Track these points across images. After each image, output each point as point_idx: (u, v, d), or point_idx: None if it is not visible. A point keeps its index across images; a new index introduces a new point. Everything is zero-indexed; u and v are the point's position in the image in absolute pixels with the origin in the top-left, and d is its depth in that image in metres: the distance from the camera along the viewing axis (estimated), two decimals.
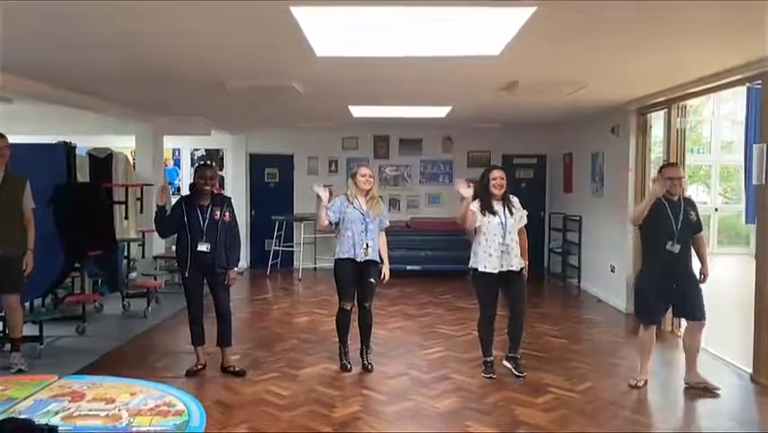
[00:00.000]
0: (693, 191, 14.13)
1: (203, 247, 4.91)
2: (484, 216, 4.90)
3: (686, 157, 6.75)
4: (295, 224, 10.58)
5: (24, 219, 5.10)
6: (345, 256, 5.06)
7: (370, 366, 5.18)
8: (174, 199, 5.65)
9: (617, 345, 6.23)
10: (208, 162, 10.02)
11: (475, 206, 4.88)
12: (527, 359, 5.50)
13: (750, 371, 5.01)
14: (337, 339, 5.30)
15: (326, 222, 5.05)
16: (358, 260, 5.05)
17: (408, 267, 9.79)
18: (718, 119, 13.87)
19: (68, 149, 6.44)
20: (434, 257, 10.04)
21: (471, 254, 5.00)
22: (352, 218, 5.04)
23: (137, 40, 4.28)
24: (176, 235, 5.05)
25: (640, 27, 3.92)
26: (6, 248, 4.95)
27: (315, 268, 10.68)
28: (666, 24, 3.84)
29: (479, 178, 5.10)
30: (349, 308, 5.14)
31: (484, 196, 4.94)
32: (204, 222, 4.90)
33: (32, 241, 5.12)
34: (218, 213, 4.95)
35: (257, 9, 3.52)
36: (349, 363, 5.22)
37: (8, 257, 4.96)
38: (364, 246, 5.03)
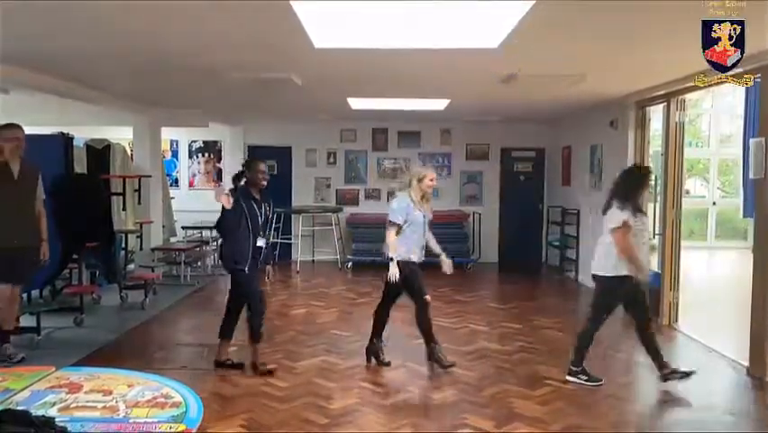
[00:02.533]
0: (692, 185, 14.14)
1: (261, 243, 4.91)
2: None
3: (684, 151, 6.74)
4: (293, 216, 10.57)
5: (36, 210, 5.11)
6: (412, 258, 5.00)
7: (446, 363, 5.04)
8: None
9: (613, 338, 6.24)
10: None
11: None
12: (526, 352, 5.52)
13: (746, 364, 5.03)
14: (424, 341, 5.12)
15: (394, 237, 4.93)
16: (419, 261, 5.05)
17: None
18: (717, 113, 13.85)
19: (66, 140, 6.42)
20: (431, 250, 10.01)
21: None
22: (418, 221, 5.00)
23: (136, 31, 4.26)
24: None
25: (639, 20, 3.91)
26: (24, 240, 4.96)
27: (314, 261, 10.68)
28: (665, 17, 3.82)
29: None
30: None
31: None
32: (260, 217, 4.88)
33: (45, 231, 5.15)
34: (264, 208, 4.94)
35: (256, 1, 3.51)
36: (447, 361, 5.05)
37: (25, 248, 4.97)
38: (422, 247, 5.07)
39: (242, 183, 4.90)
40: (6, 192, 4.89)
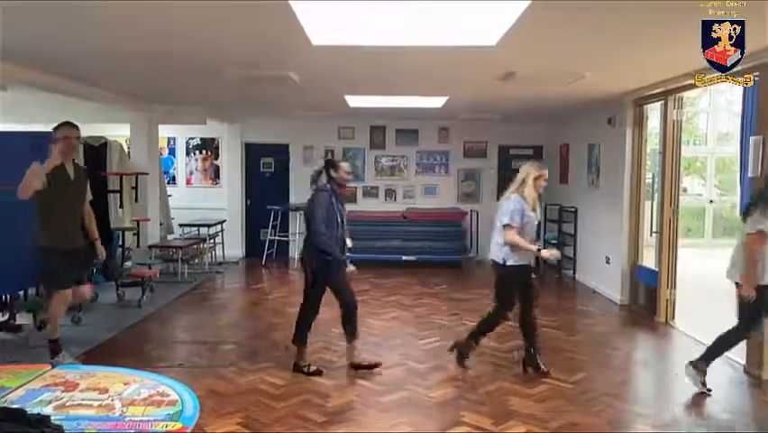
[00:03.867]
0: (689, 183, 14.14)
1: (350, 242, 4.96)
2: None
3: (682, 149, 6.75)
4: (290, 213, 10.55)
5: (86, 210, 5.13)
6: (526, 262, 4.86)
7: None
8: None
9: (611, 336, 6.25)
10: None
11: None
12: (522, 350, 5.52)
13: (743, 362, 5.04)
14: (528, 344, 4.98)
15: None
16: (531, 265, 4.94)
17: (404, 258, 9.80)
18: (715, 111, 13.85)
19: None
20: (429, 248, 10.04)
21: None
22: (533, 223, 4.83)
23: (134, 27, 4.24)
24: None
25: (637, 18, 3.90)
26: (81, 241, 5.00)
27: None
28: (663, 15, 3.82)
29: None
30: None
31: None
32: (344, 217, 4.91)
33: (96, 231, 5.19)
34: (344, 207, 4.98)
35: (254, 0, 3.50)
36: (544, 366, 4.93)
37: (81, 249, 4.98)
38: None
39: (326, 183, 4.88)
40: (65, 194, 4.83)
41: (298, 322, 4.98)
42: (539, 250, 4.77)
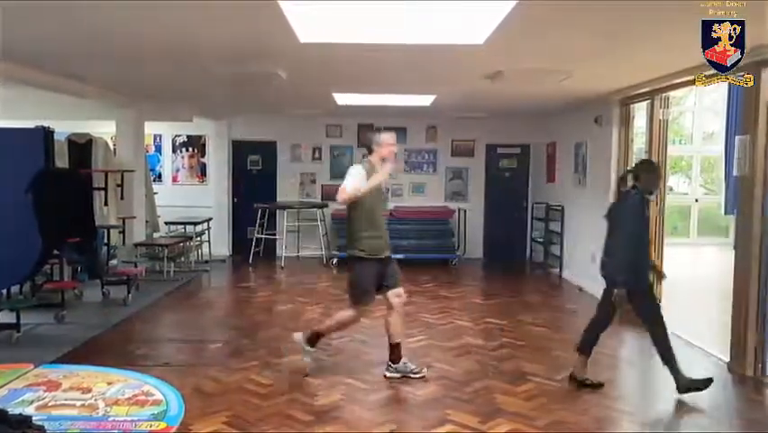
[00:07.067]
0: (675, 182, 14.26)
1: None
2: None
3: (668, 148, 6.79)
4: (278, 212, 10.51)
5: None
6: None
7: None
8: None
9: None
10: None
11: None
12: (510, 348, 5.54)
13: (727, 360, 5.08)
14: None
15: None
16: None
17: (392, 256, 9.78)
18: (700, 110, 13.98)
19: (46, 134, 6.31)
20: (417, 246, 10.04)
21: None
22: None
23: (122, 26, 4.21)
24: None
25: (624, 17, 3.91)
26: (389, 249, 4.91)
27: (299, 256, 10.63)
28: (650, 15, 3.83)
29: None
30: None
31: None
32: None
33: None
34: None
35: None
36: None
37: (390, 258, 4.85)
38: None
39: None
40: (380, 203, 4.76)
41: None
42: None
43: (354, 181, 4.45)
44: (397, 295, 4.73)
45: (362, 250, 4.59)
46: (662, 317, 4.43)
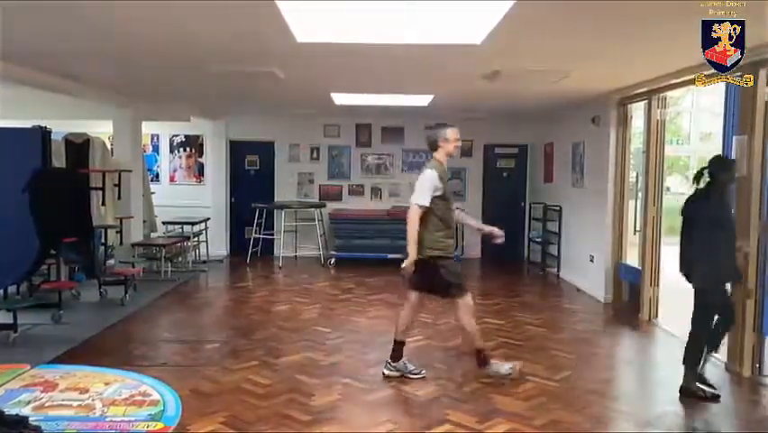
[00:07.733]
0: (672, 182, 14.26)
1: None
2: None
3: (665, 148, 6.81)
4: (275, 211, 10.50)
5: None
6: None
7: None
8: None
9: (595, 333, 6.29)
10: None
11: None
12: (508, 348, 5.53)
13: (725, 360, 5.08)
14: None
15: None
16: None
17: (389, 256, 9.77)
18: (698, 110, 14.00)
19: (43, 133, 6.30)
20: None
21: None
22: None
23: (120, 25, 4.20)
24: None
25: (623, 16, 3.91)
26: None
27: (296, 256, 10.63)
28: (648, 15, 3.83)
29: None
30: None
31: None
32: None
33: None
34: None
35: None
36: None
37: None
38: None
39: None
40: (450, 203, 4.77)
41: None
42: None
43: (426, 190, 4.55)
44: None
45: (441, 250, 4.60)
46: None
